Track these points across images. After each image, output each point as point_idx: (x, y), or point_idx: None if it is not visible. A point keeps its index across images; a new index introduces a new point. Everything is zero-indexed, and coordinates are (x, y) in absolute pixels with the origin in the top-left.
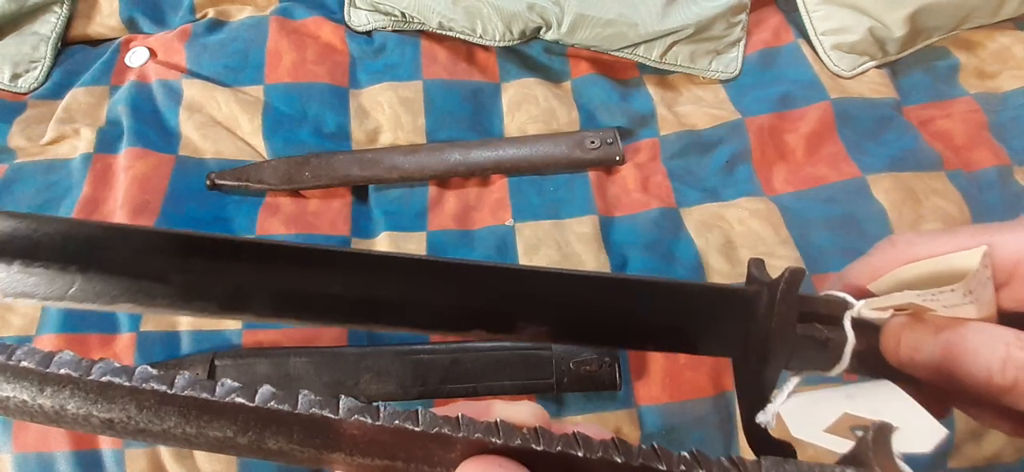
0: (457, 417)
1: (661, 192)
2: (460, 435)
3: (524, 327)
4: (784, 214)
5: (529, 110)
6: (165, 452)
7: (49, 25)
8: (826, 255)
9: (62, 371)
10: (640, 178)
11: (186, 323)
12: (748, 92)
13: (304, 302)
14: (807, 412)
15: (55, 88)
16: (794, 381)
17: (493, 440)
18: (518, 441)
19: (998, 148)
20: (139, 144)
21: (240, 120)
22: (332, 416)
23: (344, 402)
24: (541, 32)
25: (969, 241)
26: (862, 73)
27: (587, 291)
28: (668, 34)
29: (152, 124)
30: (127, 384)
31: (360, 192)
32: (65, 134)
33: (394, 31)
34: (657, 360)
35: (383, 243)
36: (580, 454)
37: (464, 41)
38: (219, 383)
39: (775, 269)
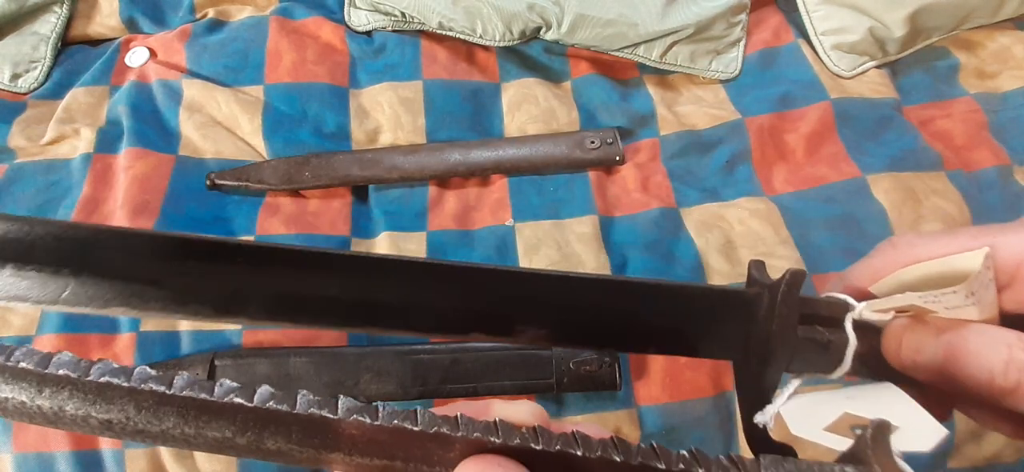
0: (456, 417)
1: (661, 192)
2: (459, 434)
3: (523, 330)
4: (784, 214)
5: (529, 110)
6: (165, 452)
7: (49, 25)
8: (826, 255)
9: (61, 372)
10: (640, 178)
11: (186, 323)
12: (748, 92)
13: (300, 305)
14: (807, 412)
15: (55, 88)
16: (795, 383)
17: (492, 439)
18: (517, 440)
19: (998, 148)
20: (139, 144)
21: (240, 120)
22: (331, 416)
23: (343, 402)
24: (541, 32)
25: (971, 242)
26: (862, 73)
27: (586, 294)
28: (668, 34)
29: (152, 124)
30: (125, 385)
31: (360, 192)
32: (65, 134)
33: (394, 31)
34: (657, 360)
35: (383, 243)
36: (579, 453)
37: (464, 41)
38: (218, 383)
39: (775, 269)
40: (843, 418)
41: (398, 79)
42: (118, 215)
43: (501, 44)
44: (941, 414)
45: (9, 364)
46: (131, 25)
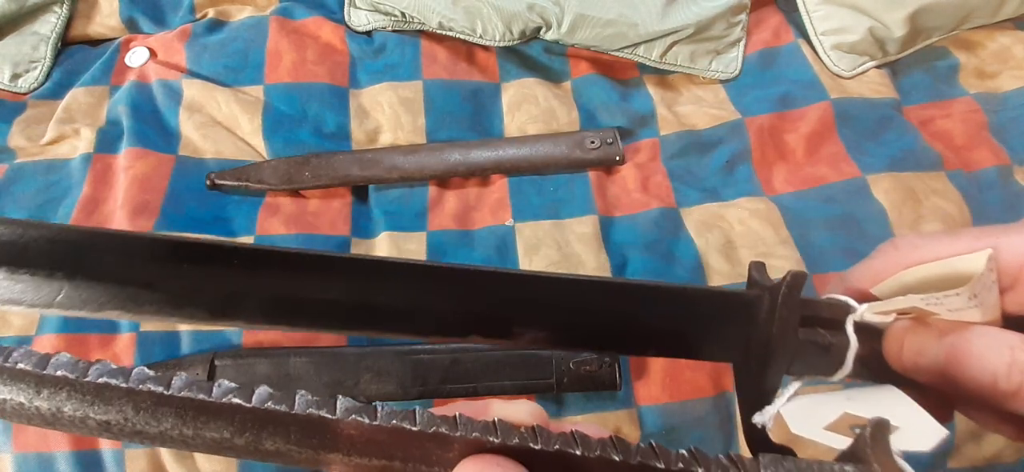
0: (454, 416)
1: (661, 192)
2: (458, 434)
3: (522, 333)
4: (784, 214)
5: (529, 110)
6: (165, 452)
7: (49, 25)
8: (826, 255)
9: (59, 373)
10: (640, 178)
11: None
12: (748, 92)
13: (296, 308)
14: (807, 412)
15: (55, 88)
16: (795, 386)
17: (491, 439)
18: (516, 440)
19: (998, 148)
20: (139, 144)
21: (240, 120)
22: (329, 416)
23: (341, 402)
24: (541, 32)
25: (974, 244)
26: (862, 73)
27: (586, 296)
28: (668, 34)
29: (152, 124)
30: (124, 386)
31: (360, 192)
32: (65, 134)
33: (394, 31)
34: (657, 360)
35: (383, 243)
36: (578, 453)
37: (464, 41)
38: (216, 384)
39: (775, 269)
40: (843, 418)
41: (398, 79)
42: (118, 215)
43: (501, 44)
44: (943, 416)
45: (7, 365)
46: (131, 25)
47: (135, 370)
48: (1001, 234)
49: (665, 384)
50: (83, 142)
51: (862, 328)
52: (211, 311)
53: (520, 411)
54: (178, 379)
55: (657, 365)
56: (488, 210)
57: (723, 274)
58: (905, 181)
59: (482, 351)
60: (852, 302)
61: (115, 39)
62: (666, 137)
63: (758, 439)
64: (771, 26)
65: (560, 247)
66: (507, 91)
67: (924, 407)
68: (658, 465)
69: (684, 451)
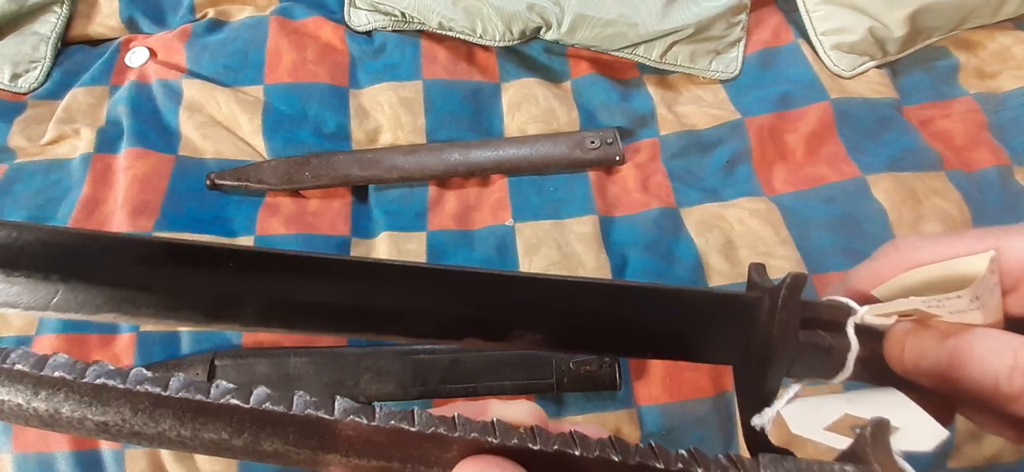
0: (453, 417)
1: (661, 192)
2: (456, 435)
3: (520, 335)
4: (784, 214)
5: (529, 110)
6: (165, 452)
7: (49, 25)
8: (826, 255)
9: (56, 374)
10: (640, 178)
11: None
12: (748, 92)
13: (293, 311)
14: (808, 413)
15: (55, 88)
16: (795, 388)
17: (490, 440)
18: (515, 440)
19: (998, 148)
20: (139, 144)
21: (240, 120)
22: (327, 417)
23: (340, 403)
24: (541, 32)
25: (976, 245)
26: (862, 73)
27: (585, 299)
28: (668, 34)
29: (152, 124)
30: (121, 386)
31: (360, 192)
32: (65, 134)
33: (394, 31)
34: (657, 360)
35: (383, 243)
36: (577, 453)
37: (464, 41)
38: (214, 385)
39: (775, 269)
40: (844, 419)
41: (398, 79)
42: (118, 215)
43: (501, 44)
44: (944, 418)
45: (5, 366)
46: (131, 25)
47: (133, 371)
48: (1003, 235)
49: (665, 384)
50: (83, 142)
51: (863, 330)
52: (207, 314)
53: (519, 411)
54: (176, 380)
55: (657, 365)
56: (488, 210)
57: (723, 274)
58: (905, 181)
59: (482, 351)
60: (853, 304)
61: (115, 39)
62: (666, 137)
63: (758, 441)
64: (771, 26)
65: (560, 247)
66: (507, 91)
67: (925, 409)
68: (657, 465)
69: (683, 451)
